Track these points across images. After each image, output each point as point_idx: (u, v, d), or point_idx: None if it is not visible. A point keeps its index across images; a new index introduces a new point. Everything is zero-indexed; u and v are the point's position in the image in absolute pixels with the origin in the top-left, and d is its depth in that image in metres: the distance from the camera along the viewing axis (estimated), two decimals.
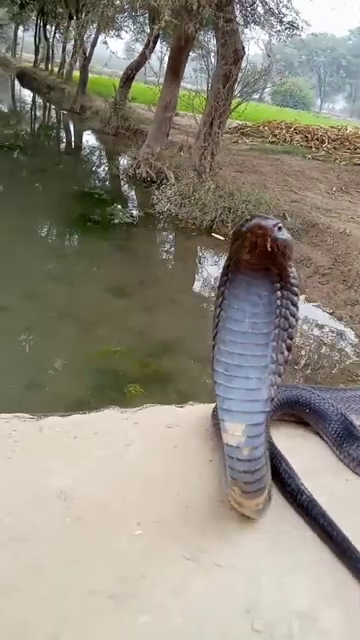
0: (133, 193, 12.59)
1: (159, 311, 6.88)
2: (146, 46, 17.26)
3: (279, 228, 1.03)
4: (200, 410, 1.59)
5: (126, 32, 20.24)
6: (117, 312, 6.60)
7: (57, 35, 31.27)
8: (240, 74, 10.41)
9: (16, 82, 32.13)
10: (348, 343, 6.53)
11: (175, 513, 1.20)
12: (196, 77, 11.97)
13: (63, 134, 19.99)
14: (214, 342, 1.17)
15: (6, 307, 5.92)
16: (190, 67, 14.20)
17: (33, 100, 26.94)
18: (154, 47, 17.24)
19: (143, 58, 17.58)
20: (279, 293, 1.14)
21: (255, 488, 1.15)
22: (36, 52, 36.03)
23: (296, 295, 1.15)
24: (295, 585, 1.08)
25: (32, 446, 1.34)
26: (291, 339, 1.16)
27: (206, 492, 1.24)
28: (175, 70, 12.92)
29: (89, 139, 18.50)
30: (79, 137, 19.24)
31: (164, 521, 1.17)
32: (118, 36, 19.51)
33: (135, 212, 10.94)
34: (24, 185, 11.49)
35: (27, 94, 28.65)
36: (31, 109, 24.90)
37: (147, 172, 12.32)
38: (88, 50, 21.50)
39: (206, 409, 1.56)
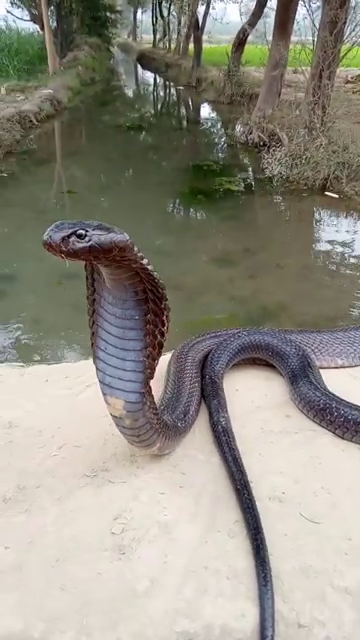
0: (244, 160, 12.44)
1: (263, 277, 6.83)
2: (257, 3, 16.67)
3: (77, 235, 0.98)
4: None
5: None
6: (221, 281, 6.68)
7: (173, 12, 31.39)
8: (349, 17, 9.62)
9: (138, 65, 33.13)
10: None
11: (98, 440, 1.37)
12: (299, 29, 11.27)
13: (179, 110, 20.23)
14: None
15: None
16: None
17: (154, 80, 27.57)
18: (266, 1, 16.57)
19: (255, 18, 16.95)
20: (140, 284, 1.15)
21: (143, 445, 1.27)
22: (154, 32, 36.48)
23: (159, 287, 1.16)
24: (172, 502, 1.19)
25: (7, 387, 1.60)
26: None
27: None
28: (283, 24, 12.31)
29: (203, 111, 18.52)
30: (194, 111, 19.34)
31: (85, 446, 1.34)
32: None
33: (245, 179, 10.83)
34: (139, 163, 11.98)
35: (149, 75, 29.39)
36: (151, 89, 25.54)
37: (259, 136, 12.06)
38: (200, 21, 21.31)
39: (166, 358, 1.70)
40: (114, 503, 1.21)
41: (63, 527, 1.16)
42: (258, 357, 1.77)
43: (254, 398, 1.62)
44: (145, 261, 1.10)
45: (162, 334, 1.21)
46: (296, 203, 9.48)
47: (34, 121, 12.83)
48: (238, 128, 13.98)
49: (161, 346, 1.22)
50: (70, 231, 0.99)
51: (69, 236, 0.99)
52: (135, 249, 1.07)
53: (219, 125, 16.24)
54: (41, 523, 1.17)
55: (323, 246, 7.82)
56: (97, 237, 1.00)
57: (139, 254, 1.08)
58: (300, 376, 1.60)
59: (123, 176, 11.17)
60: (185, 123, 17.46)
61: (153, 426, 1.26)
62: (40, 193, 9.45)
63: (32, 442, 1.41)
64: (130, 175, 11.32)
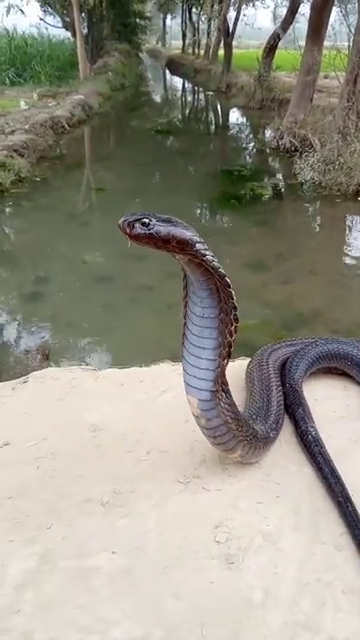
0: (275, 165, 12.40)
1: (297, 283, 6.78)
2: (289, 9, 16.66)
3: (141, 223, 1.11)
4: (238, 365, 1.72)
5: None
6: (254, 286, 6.64)
7: (202, 18, 31.46)
8: None
9: (166, 71, 33.33)
10: None
11: (184, 446, 1.37)
12: (335, 34, 11.21)
13: (208, 115, 20.26)
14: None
15: (151, 287, 6.37)
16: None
17: (182, 86, 27.67)
18: (298, 7, 16.55)
19: (287, 23, 16.92)
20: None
21: (222, 449, 1.27)
22: (183, 38, 36.67)
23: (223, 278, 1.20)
24: (271, 511, 1.18)
25: (84, 390, 1.61)
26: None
27: None
28: (317, 29, 12.26)
29: (233, 116, 18.52)
30: (223, 116, 19.35)
31: (172, 451, 1.35)
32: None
33: (276, 185, 10.80)
34: (169, 168, 12.02)
35: (177, 81, 29.53)
36: (179, 95, 25.65)
37: (290, 142, 12.02)
38: (231, 26, 21.34)
39: (243, 364, 1.69)
40: (212, 511, 1.21)
41: (165, 533, 1.16)
42: (335, 366, 1.75)
43: (335, 408, 1.61)
44: (208, 257, 1.18)
45: (231, 334, 1.24)
46: (329, 209, 9.42)
47: (66, 126, 12.98)
48: (269, 133, 13.95)
49: (230, 346, 1.25)
50: (136, 218, 1.13)
51: (134, 222, 1.12)
52: (197, 246, 1.16)
53: (249, 130, 16.21)
54: (143, 528, 1.17)
55: (357, 252, 7.75)
56: (158, 227, 1.13)
57: (201, 250, 1.17)
58: None
59: (153, 181, 11.22)
60: (214, 128, 17.48)
61: (231, 430, 1.27)
62: (71, 197, 9.56)
63: (119, 446, 1.41)
64: (160, 180, 11.37)
